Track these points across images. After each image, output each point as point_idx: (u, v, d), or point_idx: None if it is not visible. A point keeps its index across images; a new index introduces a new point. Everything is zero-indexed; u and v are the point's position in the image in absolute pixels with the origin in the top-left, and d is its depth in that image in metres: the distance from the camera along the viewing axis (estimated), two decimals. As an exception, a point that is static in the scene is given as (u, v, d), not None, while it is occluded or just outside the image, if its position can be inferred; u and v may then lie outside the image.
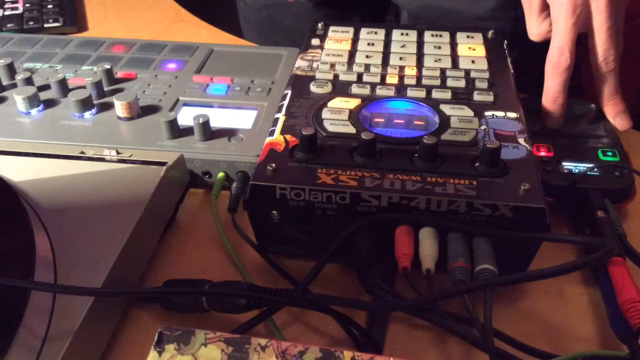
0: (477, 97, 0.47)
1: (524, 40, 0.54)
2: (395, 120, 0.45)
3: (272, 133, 0.43)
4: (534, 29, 0.53)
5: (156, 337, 0.29)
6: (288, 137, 0.43)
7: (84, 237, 0.38)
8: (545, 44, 0.51)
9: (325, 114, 0.45)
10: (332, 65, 0.52)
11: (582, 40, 0.50)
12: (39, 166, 0.44)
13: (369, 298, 0.38)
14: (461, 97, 0.47)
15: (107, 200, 0.41)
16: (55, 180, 0.43)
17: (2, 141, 0.48)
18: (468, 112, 0.45)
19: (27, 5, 0.80)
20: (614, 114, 0.51)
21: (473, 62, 0.52)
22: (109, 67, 0.56)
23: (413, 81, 0.50)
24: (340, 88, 0.49)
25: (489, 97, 0.47)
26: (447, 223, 0.37)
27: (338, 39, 0.57)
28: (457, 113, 0.45)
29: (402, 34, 0.57)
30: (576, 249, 0.44)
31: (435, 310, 0.35)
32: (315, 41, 0.56)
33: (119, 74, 0.58)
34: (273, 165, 0.39)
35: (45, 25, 0.76)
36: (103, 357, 0.36)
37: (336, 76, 0.50)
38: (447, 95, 0.47)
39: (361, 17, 0.84)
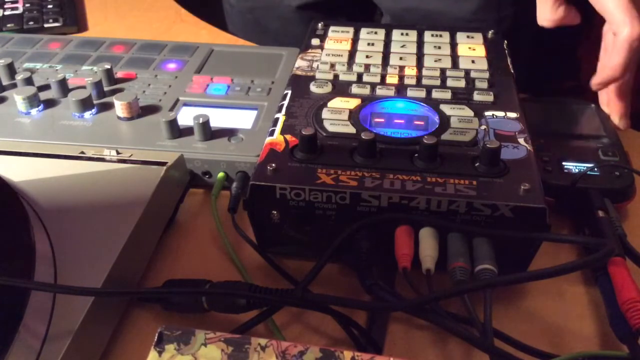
0: (477, 97, 0.47)
1: (509, 41, 0.54)
2: (395, 120, 0.45)
3: (272, 133, 0.43)
4: (550, 15, 0.52)
5: (156, 337, 0.29)
6: (288, 137, 0.43)
7: (84, 237, 0.38)
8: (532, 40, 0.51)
9: (325, 114, 0.45)
10: (332, 65, 0.52)
11: (587, 35, 0.50)
12: (39, 166, 0.44)
13: (369, 298, 0.38)
14: (461, 97, 0.47)
15: (107, 200, 0.41)
16: (55, 180, 0.43)
17: (2, 141, 0.48)
18: (468, 112, 0.45)
19: (27, 5, 0.80)
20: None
21: (473, 62, 0.52)
22: (109, 67, 0.56)
23: (413, 81, 0.50)
24: (340, 88, 0.49)
25: (489, 97, 0.47)
26: (447, 223, 0.37)
27: (338, 39, 0.57)
28: (457, 113, 0.45)
29: (402, 34, 0.57)
30: (576, 249, 0.44)
31: (435, 310, 0.35)
32: (315, 41, 0.56)
33: (119, 74, 0.58)
34: (273, 165, 0.39)
35: (45, 25, 0.76)
36: (103, 357, 0.36)
37: (336, 76, 0.50)
38: (447, 95, 0.47)
39: (347, 20, 0.84)
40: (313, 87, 0.49)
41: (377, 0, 0.79)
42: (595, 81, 0.50)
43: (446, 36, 0.57)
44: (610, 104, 0.51)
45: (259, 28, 0.84)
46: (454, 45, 0.56)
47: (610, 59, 0.48)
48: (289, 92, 0.48)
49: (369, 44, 0.56)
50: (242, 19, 0.86)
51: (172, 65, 0.60)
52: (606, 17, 0.48)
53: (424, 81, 0.49)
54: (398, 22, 0.76)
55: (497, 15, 0.67)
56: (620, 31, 0.47)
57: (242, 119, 0.51)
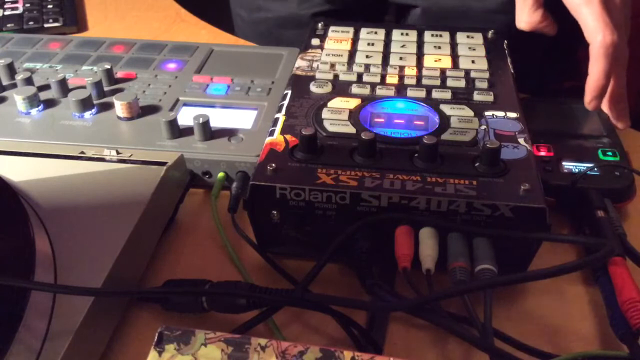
0: (477, 97, 0.47)
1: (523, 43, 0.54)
2: (395, 120, 0.45)
3: (272, 133, 0.43)
4: (527, 17, 0.53)
5: (156, 337, 0.30)
6: (288, 137, 0.43)
7: (84, 237, 0.38)
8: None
9: (325, 114, 0.45)
10: (332, 65, 0.52)
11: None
12: (39, 166, 0.44)
13: (369, 298, 0.38)
14: (461, 97, 0.47)
15: (107, 200, 0.41)
16: (55, 180, 0.43)
17: (2, 141, 0.48)
18: (468, 112, 0.45)
19: (27, 5, 0.80)
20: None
21: (473, 62, 0.52)
22: (109, 67, 0.56)
23: (413, 81, 0.50)
24: (340, 88, 0.49)
25: (489, 97, 0.47)
26: (447, 223, 0.37)
27: (338, 39, 0.57)
28: (457, 113, 0.45)
29: (402, 34, 0.57)
30: (576, 249, 0.44)
31: (435, 310, 0.35)
32: (315, 41, 0.56)
33: (119, 74, 0.58)
34: (273, 165, 0.39)
35: (45, 25, 0.76)
36: (103, 357, 0.36)
37: (336, 76, 0.51)
38: (447, 95, 0.47)
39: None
40: (313, 87, 0.49)
41: None
42: (586, 99, 0.49)
43: (446, 36, 0.57)
44: (607, 106, 0.51)
45: (273, 38, 0.84)
46: (454, 45, 0.56)
47: (591, 68, 0.48)
48: (289, 92, 0.48)
49: (369, 44, 0.56)
50: (254, 31, 0.86)
51: (172, 65, 0.60)
52: (581, 25, 0.47)
53: (424, 81, 0.50)
54: (426, 15, 0.75)
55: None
56: (593, 40, 0.46)
57: (242, 119, 0.51)
